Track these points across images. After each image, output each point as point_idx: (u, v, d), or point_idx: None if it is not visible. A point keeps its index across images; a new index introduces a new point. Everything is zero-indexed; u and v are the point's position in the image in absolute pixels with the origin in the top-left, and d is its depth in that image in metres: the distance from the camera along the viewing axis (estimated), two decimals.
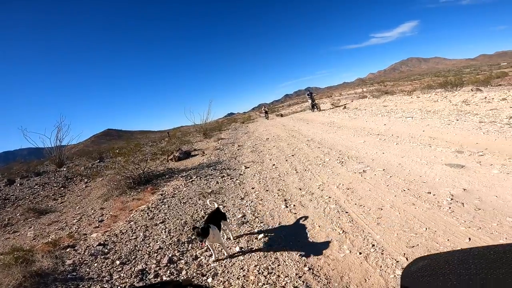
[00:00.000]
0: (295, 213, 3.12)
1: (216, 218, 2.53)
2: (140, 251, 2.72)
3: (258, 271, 2.17)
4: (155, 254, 2.63)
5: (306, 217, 2.95)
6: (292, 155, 5.96)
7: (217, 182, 4.90)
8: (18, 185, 7.55)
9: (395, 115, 8.42)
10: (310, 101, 17.65)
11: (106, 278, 2.32)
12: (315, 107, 17.26)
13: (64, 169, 9.35)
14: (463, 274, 0.36)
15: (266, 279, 2.06)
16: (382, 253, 2.09)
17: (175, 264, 2.45)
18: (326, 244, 2.38)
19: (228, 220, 2.91)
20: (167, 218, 3.52)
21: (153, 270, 2.37)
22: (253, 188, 4.29)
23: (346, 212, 2.87)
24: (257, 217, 3.22)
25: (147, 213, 3.72)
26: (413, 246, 2.09)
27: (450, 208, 2.52)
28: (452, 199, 2.67)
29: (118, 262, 2.53)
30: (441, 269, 0.39)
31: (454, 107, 7.45)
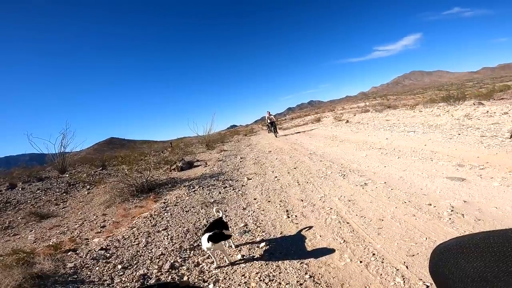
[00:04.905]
0: (297, 223, 3.14)
1: (218, 227, 2.56)
2: (142, 257, 2.73)
3: (259, 278, 2.18)
4: (157, 260, 2.64)
5: (307, 227, 2.97)
6: (294, 168, 5.99)
7: (220, 193, 4.93)
8: (20, 189, 7.59)
9: (397, 129, 8.48)
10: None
11: (107, 281, 2.33)
12: None
13: (67, 175, 9.42)
14: (485, 252, 0.39)
15: (268, 286, 2.06)
16: (382, 262, 2.10)
17: (176, 270, 2.46)
18: (327, 253, 2.39)
19: (230, 229, 2.93)
20: (170, 225, 3.54)
21: (154, 275, 2.38)
22: (255, 199, 4.31)
23: (347, 223, 2.89)
24: (259, 226, 3.23)
25: (150, 220, 3.74)
26: (413, 255, 2.11)
27: (450, 219, 2.54)
28: (452, 210, 2.69)
29: (119, 266, 2.55)
30: (466, 248, 0.42)
31: (456, 121, 7.52)
